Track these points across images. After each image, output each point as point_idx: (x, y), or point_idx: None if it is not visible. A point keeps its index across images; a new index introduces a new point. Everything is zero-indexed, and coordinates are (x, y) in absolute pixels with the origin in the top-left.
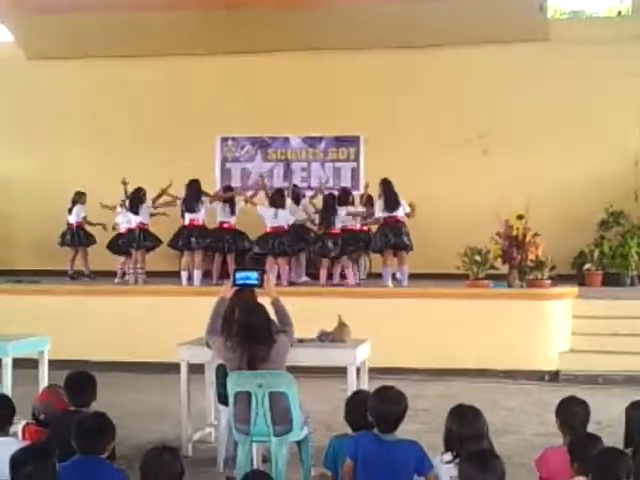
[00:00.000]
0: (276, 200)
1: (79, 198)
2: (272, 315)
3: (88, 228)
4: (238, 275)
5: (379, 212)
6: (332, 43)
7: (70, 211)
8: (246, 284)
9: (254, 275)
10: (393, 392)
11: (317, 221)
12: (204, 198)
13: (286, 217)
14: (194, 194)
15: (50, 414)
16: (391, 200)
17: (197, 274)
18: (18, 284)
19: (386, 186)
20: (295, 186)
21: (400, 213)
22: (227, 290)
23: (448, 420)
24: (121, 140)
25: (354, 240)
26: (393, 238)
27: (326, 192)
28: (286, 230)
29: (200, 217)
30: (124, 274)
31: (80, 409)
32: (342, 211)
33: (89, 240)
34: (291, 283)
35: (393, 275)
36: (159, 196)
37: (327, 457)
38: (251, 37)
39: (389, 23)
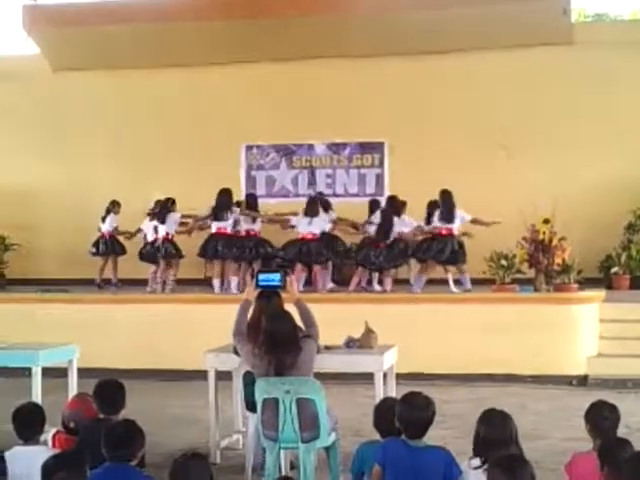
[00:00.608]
0: (311, 209)
1: (113, 207)
2: (296, 317)
3: (120, 237)
4: (261, 277)
5: (436, 222)
6: (356, 50)
7: (104, 220)
8: (269, 286)
9: (277, 277)
10: (421, 398)
11: (370, 232)
12: (234, 208)
13: (321, 224)
14: (225, 203)
15: (79, 422)
16: (446, 212)
17: (233, 281)
18: (47, 293)
19: (445, 197)
20: (320, 193)
21: (455, 225)
22: (250, 292)
23: (477, 424)
24: (147, 150)
25: (392, 250)
26: (440, 250)
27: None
28: (317, 238)
29: (228, 226)
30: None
31: (109, 417)
32: (397, 223)
33: (121, 249)
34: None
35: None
36: (190, 217)
37: (354, 464)
38: (275, 45)
39: (412, 29)
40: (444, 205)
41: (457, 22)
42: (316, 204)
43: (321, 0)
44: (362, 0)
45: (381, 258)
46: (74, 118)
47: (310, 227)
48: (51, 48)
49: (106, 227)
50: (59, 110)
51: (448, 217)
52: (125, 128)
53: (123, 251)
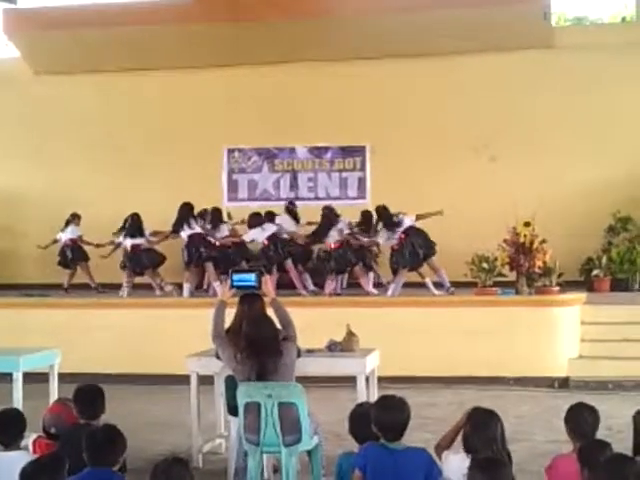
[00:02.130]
0: (253, 222)
1: (73, 219)
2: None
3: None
4: (236, 277)
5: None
6: (337, 54)
7: (63, 230)
8: (244, 286)
9: (252, 277)
10: (396, 400)
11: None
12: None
13: (272, 227)
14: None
15: (60, 427)
16: (390, 224)
17: (217, 287)
18: (28, 298)
19: (379, 213)
20: (291, 203)
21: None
22: (225, 293)
23: (465, 422)
24: (129, 153)
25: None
26: (413, 254)
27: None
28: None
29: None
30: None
31: (90, 422)
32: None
33: (84, 256)
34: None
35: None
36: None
37: (337, 474)
38: (257, 49)
39: (394, 33)
40: (384, 221)
41: (438, 26)
42: (258, 216)
43: (303, 3)
44: (344, 4)
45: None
46: (55, 122)
47: (265, 232)
48: (32, 52)
49: (67, 235)
50: (40, 114)
51: (392, 227)
52: (107, 132)
53: (85, 258)
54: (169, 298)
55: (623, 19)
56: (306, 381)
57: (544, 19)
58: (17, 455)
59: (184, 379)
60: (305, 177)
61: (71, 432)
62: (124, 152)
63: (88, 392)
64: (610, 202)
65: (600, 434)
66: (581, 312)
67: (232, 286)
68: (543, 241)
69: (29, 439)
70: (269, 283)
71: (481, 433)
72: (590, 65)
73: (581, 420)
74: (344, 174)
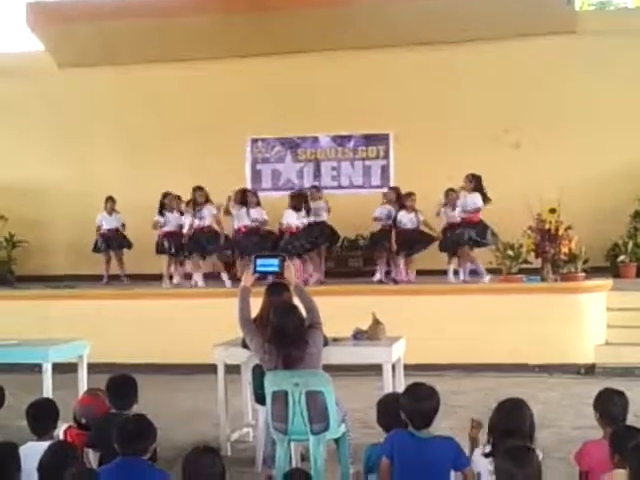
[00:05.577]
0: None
1: (105, 206)
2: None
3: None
4: (259, 262)
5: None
6: (358, 42)
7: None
8: (267, 271)
9: (275, 262)
10: (425, 388)
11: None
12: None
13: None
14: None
15: (91, 418)
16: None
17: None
18: (54, 289)
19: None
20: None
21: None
22: (248, 279)
23: (492, 412)
24: (152, 145)
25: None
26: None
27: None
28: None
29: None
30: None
31: (122, 412)
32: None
33: (127, 243)
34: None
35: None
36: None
37: (366, 465)
38: (278, 38)
39: (416, 20)
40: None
41: (460, 12)
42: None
43: None
44: None
45: None
46: (80, 114)
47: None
48: (55, 44)
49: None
50: (65, 106)
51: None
52: (131, 123)
53: (126, 245)
54: (195, 289)
55: None
56: (332, 369)
57: (567, 4)
58: None
59: (211, 368)
60: (328, 166)
61: (102, 421)
62: (147, 143)
63: (121, 382)
64: (635, 187)
65: (627, 420)
66: (607, 298)
67: (255, 271)
68: (568, 227)
69: (60, 429)
70: (292, 269)
71: (511, 423)
72: (614, 50)
73: (611, 405)
74: (367, 162)
